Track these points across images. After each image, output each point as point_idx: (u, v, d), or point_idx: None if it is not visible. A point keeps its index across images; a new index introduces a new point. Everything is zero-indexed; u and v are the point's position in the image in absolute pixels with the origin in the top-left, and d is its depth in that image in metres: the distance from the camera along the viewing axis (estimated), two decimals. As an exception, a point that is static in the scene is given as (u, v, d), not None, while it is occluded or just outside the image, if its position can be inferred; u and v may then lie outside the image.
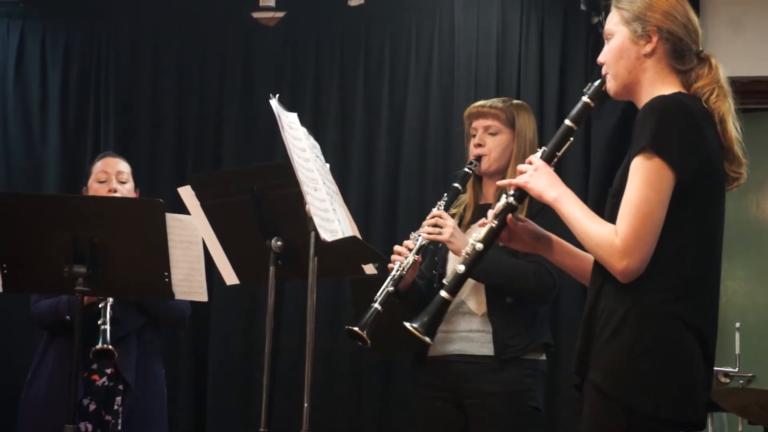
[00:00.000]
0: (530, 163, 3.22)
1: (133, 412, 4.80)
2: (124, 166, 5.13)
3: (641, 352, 2.94)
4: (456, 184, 4.44)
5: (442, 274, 4.46)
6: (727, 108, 3.11)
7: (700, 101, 3.09)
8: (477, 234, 3.27)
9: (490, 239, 3.25)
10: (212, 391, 6.46)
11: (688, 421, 3.01)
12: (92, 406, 4.76)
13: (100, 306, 4.62)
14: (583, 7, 6.04)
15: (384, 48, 6.53)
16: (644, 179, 2.93)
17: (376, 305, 4.09)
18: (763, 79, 6.12)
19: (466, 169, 4.47)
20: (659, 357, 2.94)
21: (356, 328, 4.00)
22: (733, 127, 3.11)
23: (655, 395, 2.93)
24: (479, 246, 3.23)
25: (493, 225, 3.25)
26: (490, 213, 3.27)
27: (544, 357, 4.46)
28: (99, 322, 4.56)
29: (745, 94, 5.76)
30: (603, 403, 2.98)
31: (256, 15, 6.70)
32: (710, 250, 3.06)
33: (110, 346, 4.51)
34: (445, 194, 4.43)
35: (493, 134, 4.48)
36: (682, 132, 2.97)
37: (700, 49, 3.19)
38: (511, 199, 3.23)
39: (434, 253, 4.49)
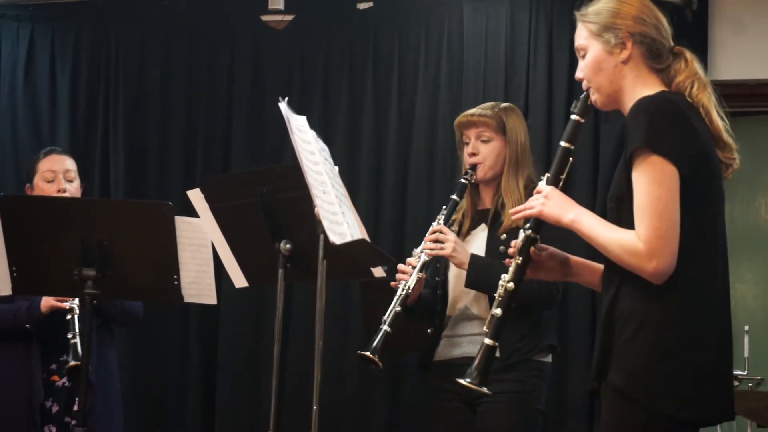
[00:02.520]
0: (538, 193, 3.21)
1: (92, 410, 4.73)
2: (70, 164, 5.04)
3: (662, 353, 2.94)
4: (454, 196, 4.48)
5: (445, 281, 4.51)
6: (707, 98, 3.12)
7: (684, 96, 3.11)
8: (505, 275, 3.25)
9: (519, 277, 3.24)
10: (221, 393, 6.47)
11: (709, 422, 3.04)
12: (55, 408, 4.75)
13: (67, 318, 4.60)
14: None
15: (393, 51, 6.53)
16: (651, 178, 2.93)
17: (385, 327, 4.15)
18: (770, 82, 6.12)
19: (463, 180, 4.50)
20: (680, 358, 2.94)
21: (368, 353, 4.05)
22: (718, 116, 3.12)
23: (677, 397, 2.93)
24: (510, 286, 3.23)
25: (518, 261, 3.24)
26: (512, 251, 3.27)
27: (549, 359, 4.48)
28: (69, 336, 4.55)
29: (751, 97, 5.81)
30: (623, 405, 2.98)
31: (265, 18, 6.71)
32: (717, 243, 3.07)
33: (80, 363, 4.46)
34: (444, 207, 4.46)
35: (485, 142, 4.51)
36: (673, 127, 2.97)
37: (672, 44, 3.20)
38: (529, 231, 3.23)
39: (436, 260, 4.50)
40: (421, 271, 4.30)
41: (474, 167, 4.50)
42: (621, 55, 3.14)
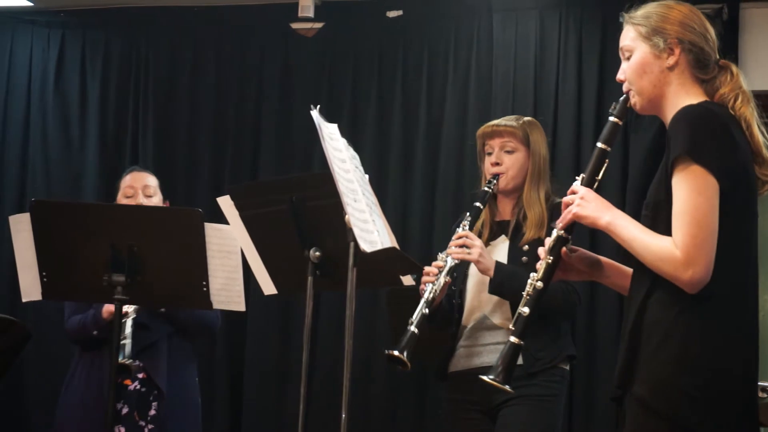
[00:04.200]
0: (574, 193, 3.18)
1: (166, 418, 4.82)
2: (150, 180, 5.12)
3: (687, 365, 2.91)
4: (477, 204, 4.46)
5: (462, 290, 4.50)
6: (750, 113, 3.09)
7: (727, 108, 3.08)
8: (534, 273, 3.23)
9: (548, 276, 3.21)
10: (248, 401, 6.48)
11: None
12: (125, 410, 4.77)
13: (123, 321, 4.63)
14: (621, 19, 6.02)
15: (422, 59, 6.53)
16: (691, 187, 2.90)
17: (413, 328, 4.11)
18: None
19: (485, 188, 4.49)
20: (705, 371, 2.91)
21: (396, 352, 4.02)
22: (759, 132, 3.10)
23: (701, 410, 2.90)
24: (539, 284, 3.20)
25: (549, 261, 3.21)
26: (542, 250, 3.24)
27: (568, 367, 4.48)
28: (121, 337, 4.59)
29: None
30: (647, 417, 2.95)
31: (294, 26, 6.72)
32: (751, 258, 3.05)
33: (127, 361, 4.55)
34: (468, 214, 4.44)
35: (509, 152, 4.51)
36: (716, 139, 2.95)
37: (718, 57, 3.17)
38: (562, 231, 3.20)
39: (453, 269, 4.49)
40: (447, 274, 4.29)
41: (496, 177, 4.50)
42: (668, 61, 3.11)
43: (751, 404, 3.03)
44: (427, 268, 4.29)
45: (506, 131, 4.52)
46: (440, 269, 4.28)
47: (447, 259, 4.30)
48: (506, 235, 4.50)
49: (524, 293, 3.24)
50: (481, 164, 4.62)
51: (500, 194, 4.55)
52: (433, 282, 4.23)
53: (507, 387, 3.18)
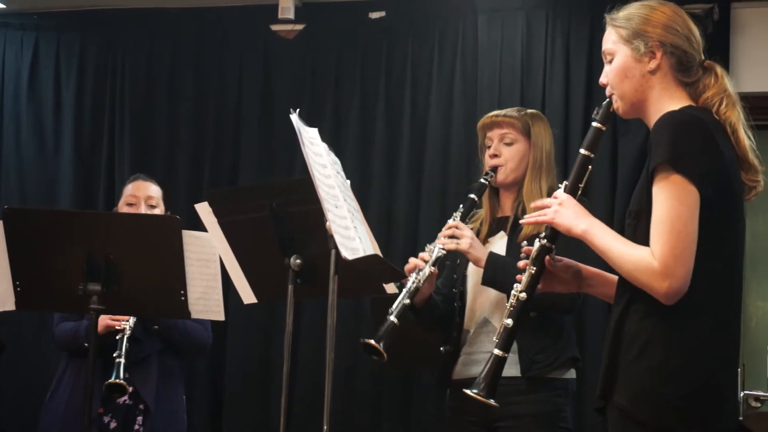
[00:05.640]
0: (555, 198, 3.15)
1: None
2: (154, 191, 5.09)
3: (668, 374, 2.89)
4: (472, 195, 4.36)
5: (463, 291, 4.37)
6: (736, 117, 3.06)
7: (711, 113, 3.04)
8: (518, 284, 3.21)
9: (531, 287, 3.20)
10: (228, 412, 6.44)
11: None
12: (113, 424, 4.74)
13: (117, 337, 4.63)
14: (604, 20, 5.98)
15: (405, 61, 6.50)
16: (671, 196, 2.87)
17: (392, 318, 4.01)
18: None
19: (482, 180, 4.38)
20: (687, 379, 2.89)
21: (372, 341, 3.91)
22: (746, 136, 3.06)
23: (686, 420, 2.88)
24: (523, 296, 3.19)
25: (532, 271, 3.19)
26: (524, 263, 3.21)
27: (572, 374, 4.35)
28: (114, 355, 4.57)
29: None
30: (630, 427, 2.93)
31: (275, 27, 6.66)
32: (733, 266, 3.02)
33: (122, 381, 4.52)
34: (461, 205, 4.34)
35: (508, 144, 4.40)
36: (698, 146, 2.91)
37: (703, 58, 3.13)
38: (545, 240, 3.17)
39: (452, 270, 4.40)
40: (434, 265, 4.17)
41: (495, 169, 4.39)
42: (649, 65, 3.07)
43: (733, 414, 3.03)
44: (412, 260, 4.18)
45: (505, 122, 4.41)
46: (426, 262, 4.17)
47: (434, 249, 4.19)
48: (505, 231, 4.39)
49: (508, 305, 3.22)
50: (482, 157, 4.51)
51: (501, 188, 4.44)
52: (416, 272, 4.13)
53: (491, 401, 3.15)
